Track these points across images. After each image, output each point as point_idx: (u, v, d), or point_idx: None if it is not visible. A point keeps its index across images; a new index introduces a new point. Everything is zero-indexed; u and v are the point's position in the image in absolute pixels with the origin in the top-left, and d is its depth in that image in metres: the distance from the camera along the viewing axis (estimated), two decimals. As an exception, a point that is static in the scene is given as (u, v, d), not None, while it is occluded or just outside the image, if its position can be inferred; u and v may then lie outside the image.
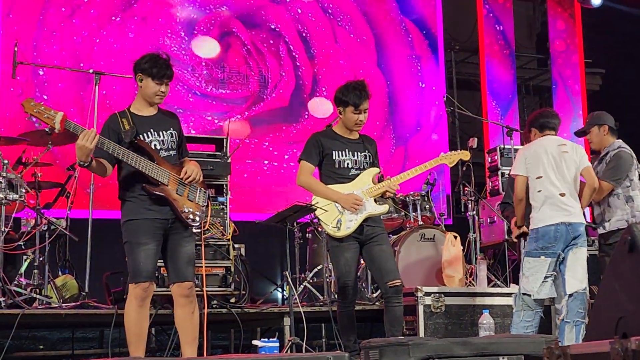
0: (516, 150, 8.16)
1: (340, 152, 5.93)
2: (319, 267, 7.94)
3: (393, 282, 5.77)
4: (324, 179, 5.97)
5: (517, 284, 6.51)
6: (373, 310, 7.24)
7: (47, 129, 5.23)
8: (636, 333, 2.89)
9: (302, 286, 7.91)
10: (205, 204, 5.49)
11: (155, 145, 5.35)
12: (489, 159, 9.60)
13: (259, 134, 10.75)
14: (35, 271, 6.82)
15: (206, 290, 5.79)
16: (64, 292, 7.03)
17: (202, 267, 6.00)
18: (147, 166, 5.21)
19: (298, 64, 11.20)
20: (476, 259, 8.02)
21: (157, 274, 6.00)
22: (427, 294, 6.78)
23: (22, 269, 6.89)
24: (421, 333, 6.66)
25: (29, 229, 7.03)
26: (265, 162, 10.73)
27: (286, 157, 10.79)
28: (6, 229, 6.61)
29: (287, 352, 5.68)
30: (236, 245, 7.14)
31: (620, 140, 6.85)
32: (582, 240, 6.14)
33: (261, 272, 9.25)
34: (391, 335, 5.69)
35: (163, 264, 5.56)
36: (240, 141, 8.03)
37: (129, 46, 10.19)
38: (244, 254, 7.35)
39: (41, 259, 6.91)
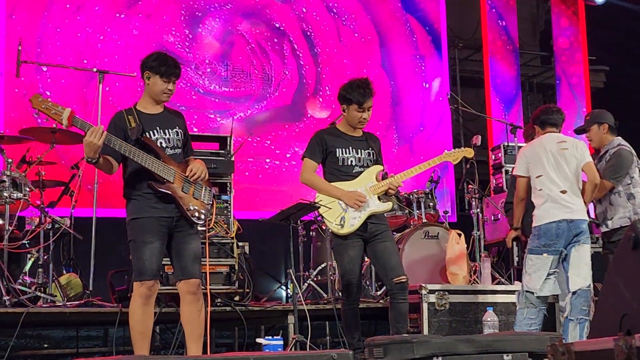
0: (520, 147, 8.15)
1: (343, 150, 5.93)
2: (323, 265, 7.95)
3: (398, 278, 5.77)
4: (328, 176, 5.97)
5: (521, 281, 6.51)
6: (377, 307, 7.24)
7: (54, 125, 5.22)
8: (640, 330, 2.89)
9: (306, 284, 7.91)
10: (211, 202, 5.50)
11: (161, 143, 5.35)
12: (493, 157, 9.59)
13: (261, 133, 10.74)
14: (40, 270, 6.83)
15: (210, 289, 5.78)
16: (68, 291, 7.03)
17: (206, 265, 5.99)
18: (153, 163, 5.21)
19: (302, 62, 11.19)
20: (480, 256, 8.02)
21: (161, 272, 6.01)
22: (431, 291, 6.78)
23: (27, 268, 6.89)
24: (425, 331, 6.66)
25: (33, 227, 7.04)
26: (267, 160, 10.73)
27: (288, 155, 10.79)
28: (10, 228, 6.61)
29: (291, 350, 5.68)
30: (240, 243, 7.14)
31: (619, 138, 6.84)
32: (585, 237, 6.13)
33: (265, 270, 9.26)
34: (396, 332, 5.69)
35: (167, 262, 5.56)
36: (243, 140, 8.02)
37: (133, 43, 10.20)
38: (247, 252, 7.35)
39: (45, 257, 6.92)
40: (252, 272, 7.27)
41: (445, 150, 6.40)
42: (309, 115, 11.07)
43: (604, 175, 6.55)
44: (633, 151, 6.77)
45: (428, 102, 11.88)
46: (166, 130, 5.40)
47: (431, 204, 8.34)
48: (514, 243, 6.81)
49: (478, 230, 8.37)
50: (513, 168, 6.73)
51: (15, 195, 6.66)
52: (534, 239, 6.20)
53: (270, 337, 5.64)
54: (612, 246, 6.66)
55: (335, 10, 11.49)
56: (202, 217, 5.38)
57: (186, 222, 5.34)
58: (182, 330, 5.46)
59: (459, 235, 7.58)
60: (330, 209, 5.80)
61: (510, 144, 9.28)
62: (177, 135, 5.45)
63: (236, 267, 6.96)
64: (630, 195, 6.63)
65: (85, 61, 9.84)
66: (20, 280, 6.69)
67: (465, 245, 7.63)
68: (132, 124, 5.28)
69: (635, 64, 13.30)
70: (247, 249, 7.30)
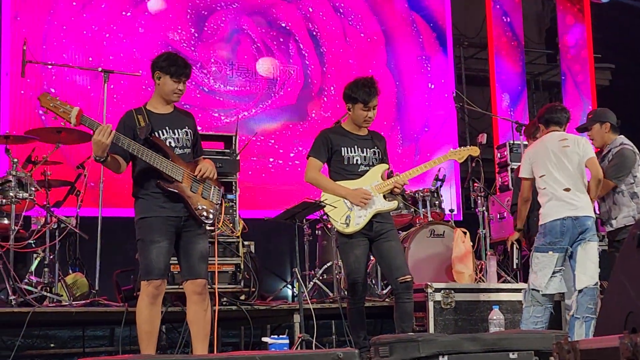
0: (525, 145, 8.15)
1: (349, 149, 5.93)
2: (328, 264, 7.94)
3: (403, 277, 5.76)
4: (333, 175, 5.96)
5: (526, 280, 6.51)
6: (383, 306, 7.24)
7: (62, 123, 5.23)
8: (645, 328, 2.89)
9: (311, 283, 7.91)
10: (219, 201, 5.50)
11: (170, 142, 5.36)
12: (499, 155, 9.59)
13: (265, 132, 10.74)
14: (46, 269, 6.84)
15: (216, 288, 5.78)
16: (75, 290, 7.05)
17: (214, 264, 5.99)
18: (161, 163, 5.22)
19: (307, 62, 11.19)
20: (486, 254, 8.01)
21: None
22: (437, 290, 6.77)
23: (33, 267, 6.91)
24: (431, 329, 6.65)
25: (39, 227, 7.05)
26: (271, 159, 10.72)
27: (292, 155, 10.78)
28: (16, 228, 6.63)
29: (297, 349, 5.68)
30: (246, 243, 7.15)
31: (622, 137, 6.83)
32: (591, 235, 6.12)
33: (271, 269, 9.26)
34: (401, 331, 5.68)
35: (173, 262, 5.57)
36: (248, 139, 8.02)
37: (138, 41, 10.21)
38: (253, 251, 7.36)
39: (51, 257, 6.93)
40: (258, 271, 7.28)
41: (451, 149, 6.41)
42: (313, 115, 11.06)
43: (606, 174, 6.53)
44: (636, 150, 6.75)
45: (433, 102, 11.86)
46: (175, 130, 5.41)
47: (437, 202, 8.34)
48: (514, 246, 6.80)
49: (484, 228, 8.37)
50: (517, 167, 6.73)
51: (21, 195, 6.68)
52: (539, 237, 6.21)
53: (276, 336, 5.65)
54: (617, 244, 6.65)
55: (341, 10, 11.48)
56: (211, 216, 5.38)
57: (194, 221, 5.34)
58: (188, 330, 5.46)
59: (465, 233, 7.58)
60: (335, 207, 5.80)
61: (515, 142, 9.28)
62: (187, 135, 5.46)
63: (242, 266, 6.96)
64: (633, 194, 6.61)
65: (90, 59, 9.86)
66: (26, 280, 6.70)
67: (471, 244, 7.63)
68: (142, 123, 5.29)
69: (640, 61, 13.29)
70: (252, 248, 7.30)
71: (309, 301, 6.42)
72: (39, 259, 6.92)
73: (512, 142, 9.39)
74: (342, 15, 11.47)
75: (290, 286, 8.85)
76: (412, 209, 8.21)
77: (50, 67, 9.41)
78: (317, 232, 8.30)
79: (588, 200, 6.22)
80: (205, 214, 5.33)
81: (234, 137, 7.38)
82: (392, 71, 11.63)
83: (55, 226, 6.97)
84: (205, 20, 10.69)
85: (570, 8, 12.93)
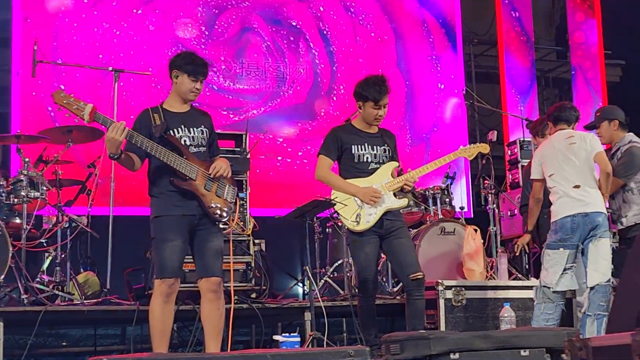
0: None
1: (359, 146, 5.93)
2: (339, 262, 7.94)
3: (414, 274, 5.77)
4: (343, 173, 5.97)
5: (538, 277, 6.50)
6: (394, 304, 7.23)
7: (75, 120, 5.25)
8: (658, 325, 2.88)
9: (322, 281, 7.91)
10: (234, 200, 5.51)
11: (185, 141, 5.37)
12: (509, 152, 9.58)
13: (273, 130, 10.73)
14: (57, 268, 6.87)
15: (228, 286, 5.79)
16: (86, 289, 7.07)
17: (229, 263, 6.01)
18: (175, 160, 5.24)
19: (317, 61, 11.17)
20: (497, 252, 8.00)
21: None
22: (448, 287, 6.77)
23: (44, 267, 6.94)
24: (442, 327, 6.65)
25: (51, 226, 7.08)
26: (279, 158, 10.72)
27: (300, 154, 10.77)
28: (28, 227, 6.65)
29: (308, 347, 5.69)
30: (256, 241, 7.15)
31: (631, 134, 6.81)
32: (603, 231, 6.11)
33: (281, 267, 9.26)
34: (413, 328, 5.69)
35: (188, 260, 5.58)
36: (256, 137, 8.03)
37: (148, 39, 10.23)
38: (264, 249, 7.36)
39: (63, 256, 6.95)
40: (269, 269, 7.29)
41: (461, 146, 6.40)
42: (322, 114, 11.05)
43: (615, 173, 6.51)
44: None
45: (443, 101, 11.82)
46: (191, 129, 5.43)
47: (447, 199, 8.33)
48: (522, 250, 6.79)
49: (494, 225, 8.35)
50: (527, 164, 6.72)
51: (32, 194, 6.70)
52: (551, 233, 6.21)
53: (287, 334, 5.65)
54: (629, 242, 6.64)
55: (352, 10, 11.46)
56: (225, 214, 5.39)
57: (209, 220, 5.36)
58: (200, 328, 5.46)
59: (475, 230, 7.57)
60: (346, 205, 5.81)
61: (526, 139, 9.26)
62: (202, 134, 5.47)
63: (253, 265, 6.97)
64: (643, 191, 6.60)
65: (100, 56, 9.89)
66: (38, 279, 6.73)
67: (482, 241, 7.62)
68: (157, 121, 5.32)
69: (651, 58, 13.24)
70: (263, 246, 7.31)
71: (319, 299, 6.42)
72: (50, 258, 6.95)
73: (522, 139, 9.37)
74: (353, 15, 11.45)
75: (301, 284, 8.85)
76: (423, 207, 8.20)
77: (59, 62, 9.44)
78: (327, 230, 8.30)
79: (598, 196, 6.20)
80: (218, 212, 5.34)
81: (244, 136, 7.39)
82: (402, 71, 11.60)
83: (67, 225, 6.99)
84: (216, 18, 10.69)
85: (581, 5, 12.88)
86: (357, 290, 6.22)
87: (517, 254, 7.03)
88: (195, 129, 5.44)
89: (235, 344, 8.25)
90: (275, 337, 5.79)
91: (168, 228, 5.24)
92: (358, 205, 5.83)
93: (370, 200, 5.79)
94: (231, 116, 10.54)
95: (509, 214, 8.94)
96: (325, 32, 11.26)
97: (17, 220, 6.80)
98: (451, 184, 8.49)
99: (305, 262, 6.12)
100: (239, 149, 7.32)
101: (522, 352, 4.91)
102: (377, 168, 5.95)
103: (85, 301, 6.68)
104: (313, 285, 6.13)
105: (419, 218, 8.23)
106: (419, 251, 7.39)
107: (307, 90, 11.07)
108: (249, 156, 7.29)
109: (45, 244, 6.96)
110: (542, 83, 13.61)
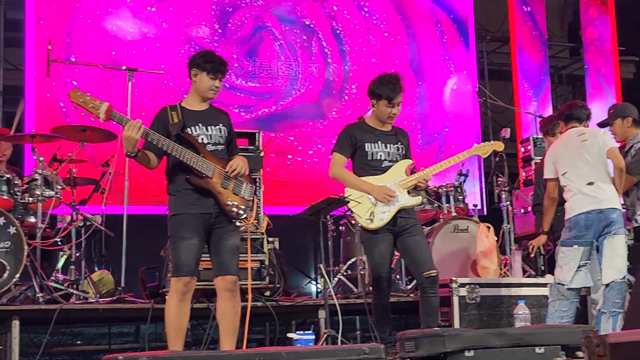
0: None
1: (373, 144, 5.93)
2: (353, 260, 7.93)
3: (428, 272, 5.77)
4: (357, 171, 5.97)
5: (553, 274, 6.48)
6: (408, 301, 7.23)
7: (92, 118, 5.26)
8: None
9: (336, 278, 7.91)
10: (251, 198, 5.51)
11: (202, 139, 5.38)
12: (522, 149, 9.54)
13: (285, 129, 10.74)
14: (72, 267, 6.88)
15: (243, 284, 5.79)
16: (101, 288, 7.09)
17: (246, 261, 6.01)
18: (191, 158, 5.25)
19: (329, 60, 11.17)
20: (510, 249, 7.98)
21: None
22: (462, 285, 6.76)
23: (59, 265, 6.95)
24: (456, 324, 6.64)
25: (65, 225, 7.09)
26: (289, 156, 10.71)
27: (310, 152, 10.76)
28: (43, 226, 6.68)
29: (322, 344, 5.69)
30: (270, 239, 7.16)
31: None
32: (618, 228, 6.08)
33: (295, 265, 9.26)
34: (427, 326, 5.69)
35: (204, 259, 5.58)
36: (268, 136, 8.04)
37: (162, 37, 10.26)
38: (278, 247, 7.37)
39: (77, 254, 6.97)
40: (283, 267, 7.29)
41: (475, 144, 6.40)
42: (334, 113, 11.04)
43: (628, 170, 6.49)
44: None
45: (456, 99, 11.79)
46: (209, 127, 5.44)
47: (460, 197, 8.31)
48: (538, 251, 6.77)
49: (508, 223, 8.33)
50: (540, 160, 6.69)
51: (47, 193, 6.73)
52: (565, 231, 6.19)
53: (301, 332, 5.65)
54: (644, 239, 6.62)
55: (366, 9, 11.45)
56: (242, 212, 5.39)
57: (225, 218, 5.36)
58: (214, 326, 5.47)
59: (489, 228, 7.55)
60: (359, 203, 5.81)
61: (539, 136, 9.22)
62: (220, 132, 5.48)
63: (267, 263, 6.98)
64: (657, 189, 6.58)
65: (113, 53, 9.94)
66: (53, 278, 6.74)
67: (495, 239, 7.60)
68: (175, 119, 5.33)
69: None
70: (277, 244, 7.32)
71: (334, 297, 6.42)
72: (65, 256, 6.96)
73: (535, 136, 9.33)
74: (367, 14, 11.44)
75: (314, 282, 8.86)
76: (436, 204, 8.18)
77: (73, 59, 9.47)
78: (340, 228, 8.29)
79: (612, 192, 6.17)
80: (235, 209, 5.35)
81: (257, 134, 7.40)
82: (414, 71, 11.58)
83: (81, 224, 7.01)
84: (230, 16, 10.71)
85: (594, 1, 12.83)
86: (371, 288, 6.21)
87: (532, 255, 7.00)
88: (213, 127, 5.45)
89: (249, 342, 8.26)
90: (290, 335, 5.79)
91: (184, 226, 5.25)
92: (372, 203, 5.83)
93: (384, 198, 5.79)
94: (243, 114, 10.55)
95: (522, 211, 8.91)
96: (338, 32, 11.25)
97: (32, 219, 6.83)
98: (464, 181, 8.48)
99: (319, 260, 6.13)
100: (252, 147, 7.32)
101: (537, 350, 4.91)
102: (391, 166, 5.95)
103: (99, 299, 6.71)
104: (327, 283, 6.12)
105: (433, 216, 8.23)
106: (432, 249, 7.39)
107: (319, 89, 11.07)
108: (262, 154, 7.30)
109: (60, 243, 6.98)
110: (555, 80, 13.57)
